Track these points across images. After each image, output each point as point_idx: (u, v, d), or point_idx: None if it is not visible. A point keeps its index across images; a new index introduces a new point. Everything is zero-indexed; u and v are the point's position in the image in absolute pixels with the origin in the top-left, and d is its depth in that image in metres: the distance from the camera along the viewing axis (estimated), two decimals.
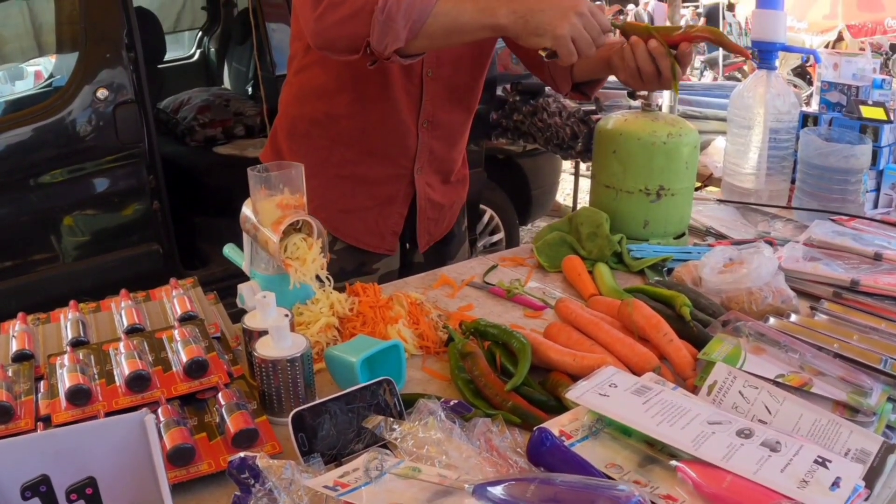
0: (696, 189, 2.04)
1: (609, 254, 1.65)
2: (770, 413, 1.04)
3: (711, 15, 20.28)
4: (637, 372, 1.15)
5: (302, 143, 1.79)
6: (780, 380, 1.12)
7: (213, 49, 5.33)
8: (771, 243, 1.78)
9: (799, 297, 1.48)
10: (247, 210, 1.42)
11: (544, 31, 1.36)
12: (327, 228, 1.77)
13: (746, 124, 2.11)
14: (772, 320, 1.33)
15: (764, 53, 2.17)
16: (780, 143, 2.11)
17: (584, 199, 4.61)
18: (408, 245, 1.91)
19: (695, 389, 1.13)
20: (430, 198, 1.86)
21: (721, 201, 2.14)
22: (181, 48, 5.80)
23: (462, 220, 2.04)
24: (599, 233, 1.67)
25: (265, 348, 1.12)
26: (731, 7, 13.24)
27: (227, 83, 5.17)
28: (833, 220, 1.88)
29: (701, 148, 2.43)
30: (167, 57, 5.03)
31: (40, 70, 3.96)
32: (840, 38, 9.34)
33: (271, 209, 1.35)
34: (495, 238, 4.42)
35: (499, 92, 3.80)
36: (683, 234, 1.81)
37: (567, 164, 5.10)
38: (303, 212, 1.36)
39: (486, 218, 4.33)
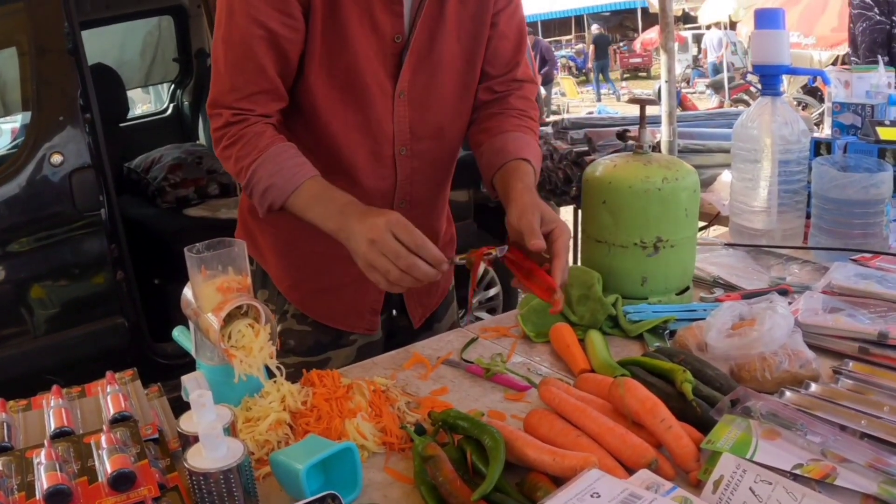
0: (701, 230, 1.94)
1: (603, 318, 1.56)
2: None
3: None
4: (630, 467, 1.05)
5: (269, 220, 1.69)
6: (797, 471, 1.01)
7: (186, 102, 5.31)
8: (787, 291, 1.68)
9: (820, 356, 1.37)
10: (188, 293, 1.34)
11: (354, 259, 1.36)
12: (302, 310, 1.72)
13: (753, 157, 2.03)
14: (787, 394, 1.22)
15: (767, 78, 2.09)
16: (792, 176, 2.02)
17: None
18: (394, 311, 1.81)
19: (699, 484, 1.03)
20: None
21: (729, 245, 2.04)
22: (155, 102, 5.79)
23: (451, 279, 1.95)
24: (591, 295, 1.57)
25: (196, 458, 1.04)
26: (732, 26, 13.33)
27: (202, 138, 5.13)
28: (854, 261, 1.77)
29: (706, 184, 2.35)
30: (139, 112, 5.00)
31: (16, 127, 3.93)
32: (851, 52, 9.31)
33: (211, 293, 1.27)
34: (491, 292, 4.30)
35: None
36: (687, 289, 1.71)
37: None
38: (247, 295, 1.28)
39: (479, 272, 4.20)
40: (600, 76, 20.37)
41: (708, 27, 16.22)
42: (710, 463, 1.03)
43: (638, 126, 1.68)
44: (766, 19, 2.14)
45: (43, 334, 3.05)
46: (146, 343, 3.27)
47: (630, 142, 1.71)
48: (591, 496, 0.90)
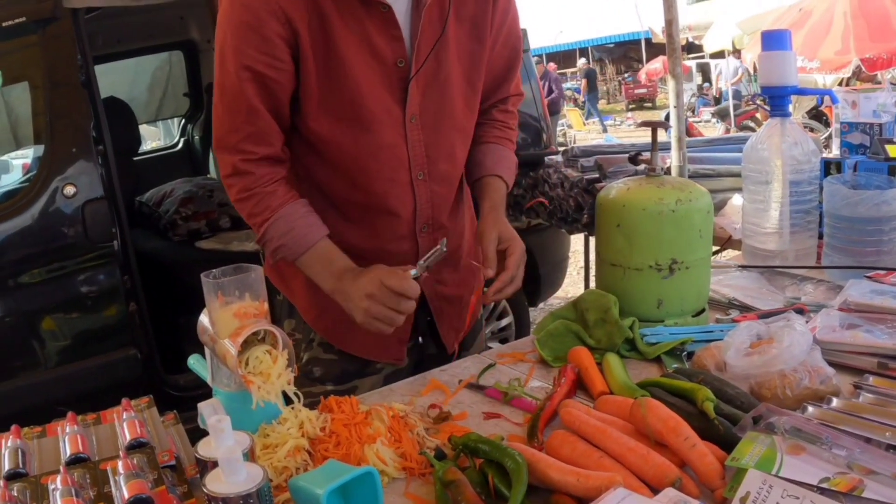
0: (714, 254, 1.93)
1: (620, 341, 1.55)
2: None
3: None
4: (654, 487, 1.03)
5: None
6: (824, 485, 1.00)
7: (197, 137, 5.33)
8: (802, 311, 1.67)
9: (839, 373, 1.36)
10: (204, 319, 1.34)
11: (351, 316, 1.49)
12: (329, 340, 1.72)
13: (763, 179, 2.03)
14: (810, 409, 1.21)
15: (775, 99, 2.10)
16: (803, 196, 2.02)
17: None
18: (420, 339, 1.79)
19: (724, 501, 1.02)
20: (442, 295, 1.74)
21: (743, 267, 2.03)
22: (166, 137, 5.80)
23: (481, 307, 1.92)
24: (608, 318, 1.56)
25: (216, 483, 1.02)
26: (736, 53, 13.40)
27: (212, 172, 5.14)
28: (869, 278, 1.76)
29: (716, 208, 2.34)
30: (150, 147, 5.00)
31: (28, 163, 3.95)
32: (855, 75, 9.28)
33: (228, 319, 1.26)
34: (504, 322, 4.26)
35: None
36: (703, 311, 1.70)
37: None
38: (264, 321, 1.27)
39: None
40: (597, 106, 20.63)
41: (714, 55, 16.26)
42: (736, 480, 1.02)
43: (650, 150, 1.68)
44: (773, 41, 2.14)
45: (55, 365, 3.03)
46: (159, 375, 3.25)
47: (642, 165, 1.71)
48: None
